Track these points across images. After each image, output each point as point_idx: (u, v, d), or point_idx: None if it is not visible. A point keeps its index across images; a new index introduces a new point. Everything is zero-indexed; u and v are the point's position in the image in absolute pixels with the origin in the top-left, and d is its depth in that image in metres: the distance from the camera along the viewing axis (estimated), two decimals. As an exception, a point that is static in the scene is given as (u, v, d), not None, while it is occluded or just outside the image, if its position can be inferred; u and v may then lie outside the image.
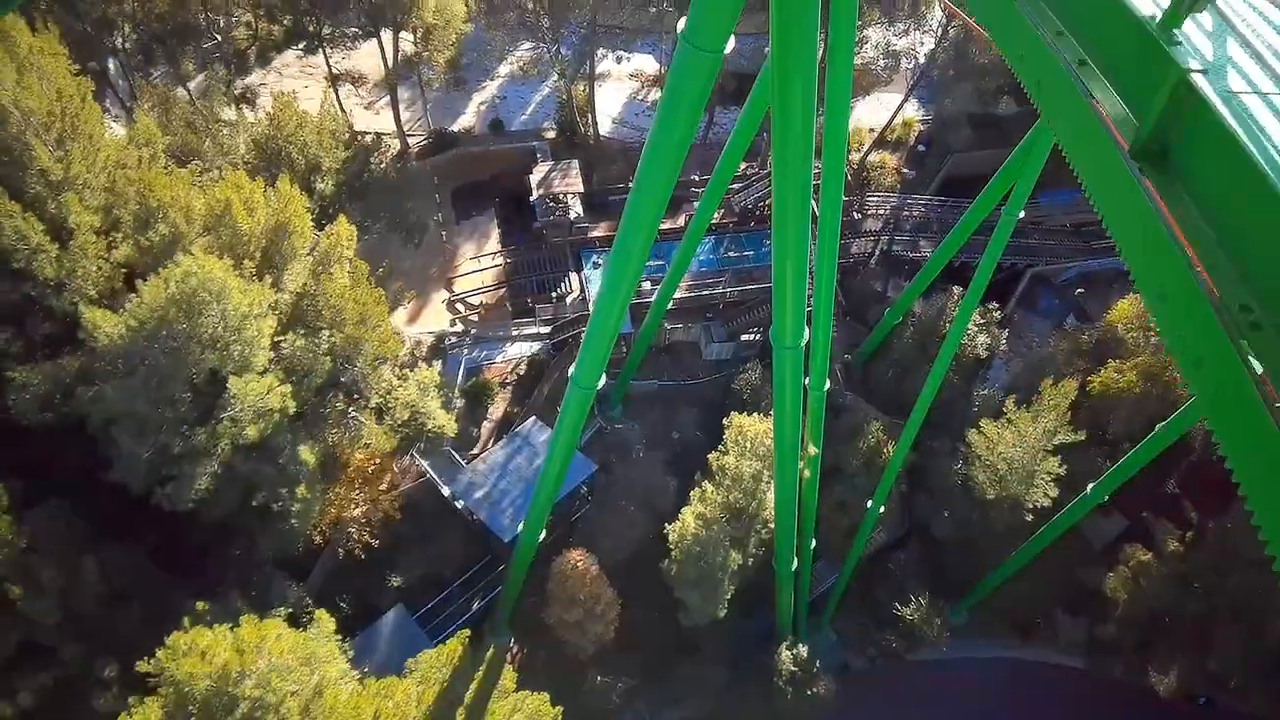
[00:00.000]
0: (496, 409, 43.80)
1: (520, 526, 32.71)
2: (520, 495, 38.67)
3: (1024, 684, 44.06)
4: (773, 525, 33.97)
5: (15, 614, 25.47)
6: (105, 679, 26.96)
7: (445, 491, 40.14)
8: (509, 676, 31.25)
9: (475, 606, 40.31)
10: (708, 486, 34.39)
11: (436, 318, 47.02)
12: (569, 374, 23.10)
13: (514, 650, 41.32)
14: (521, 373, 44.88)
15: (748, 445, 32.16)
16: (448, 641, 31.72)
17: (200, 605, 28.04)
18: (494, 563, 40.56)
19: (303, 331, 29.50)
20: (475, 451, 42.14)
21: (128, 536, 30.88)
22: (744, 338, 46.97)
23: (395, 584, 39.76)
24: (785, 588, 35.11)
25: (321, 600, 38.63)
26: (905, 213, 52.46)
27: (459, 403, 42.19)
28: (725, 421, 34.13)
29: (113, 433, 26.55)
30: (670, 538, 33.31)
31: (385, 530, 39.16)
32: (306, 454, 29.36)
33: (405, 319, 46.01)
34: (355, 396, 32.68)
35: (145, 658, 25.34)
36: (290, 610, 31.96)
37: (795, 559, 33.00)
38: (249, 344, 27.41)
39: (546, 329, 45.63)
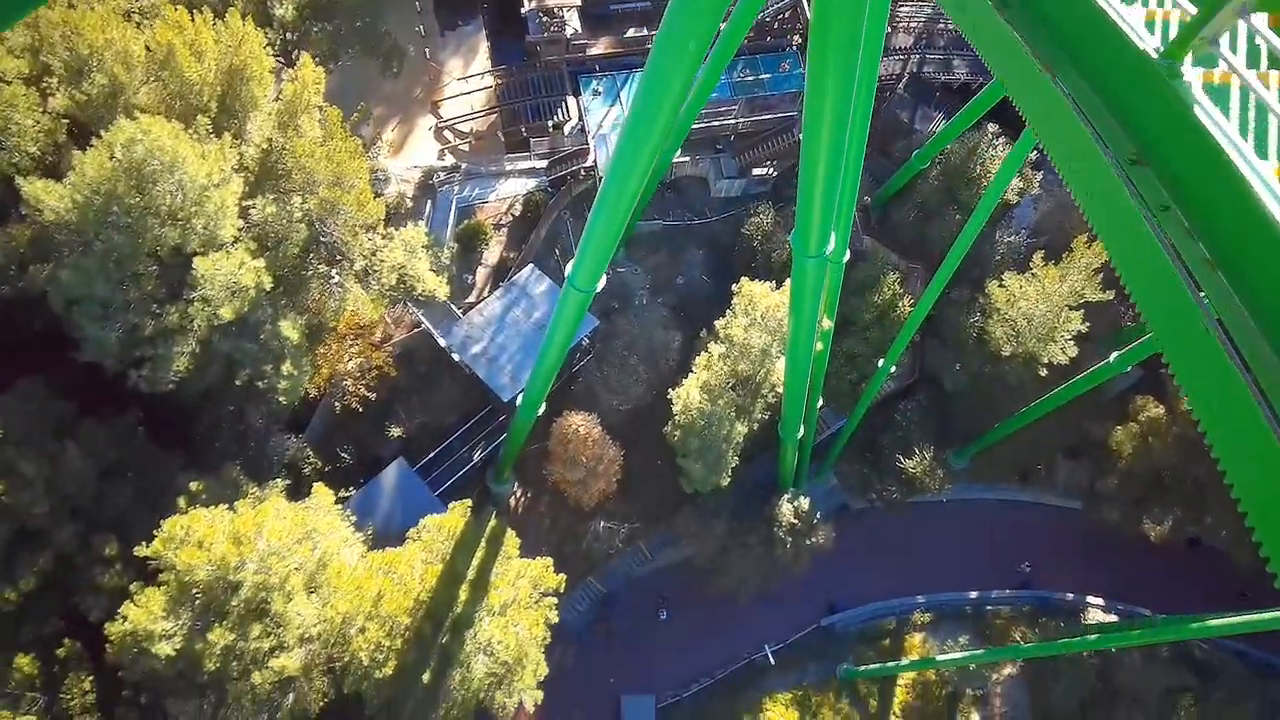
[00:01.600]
0: (491, 254, 41.37)
1: (519, 396, 31.48)
2: (519, 350, 37.27)
3: (1019, 523, 44.98)
4: (780, 390, 32.85)
5: (3, 507, 24.80)
6: (106, 556, 26.86)
7: (441, 343, 38.69)
8: (511, 542, 31.38)
9: (477, 457, 40.20)
10: (714, 350, 32.82)
11: (423, 148, 43.37)
12: (566, 273, 20.82)
13: (517, 494, 41.77)
14: (517, 213, 41.97)
15: (758, 316, 30.21)
16: (450, 508, 31.64)
17: (194, 485, 27.42)
18: (494, 413, 39.93)
19: (272, 197, 26.71)
20: (471, 300, 40.23)
21: (111, 409, 29.75)
22: (756, 172, 43.56)
23: (396, 434, 39.37)
24: (789, 450, 34.56)
25: (322, 451, 38.47)
26: (940, 25, 46.95)
27: (451, 247, 39.78)
28: (735, 287, 31.93)
29: (74, 317, 24.62)
30: (674, 407, 32.22)
31: (382, 382, 38.27)
32: (289, 329, 27.56)
33: (388, 152, 42.40)
34: (338, 258, 30.35)
35: (143, 541, 25.09)
36: (288, 481, 31.45)
37: (802, 427, 32.14)
38: (213, 217, 24.83)
39: (543, 164, 42.16)
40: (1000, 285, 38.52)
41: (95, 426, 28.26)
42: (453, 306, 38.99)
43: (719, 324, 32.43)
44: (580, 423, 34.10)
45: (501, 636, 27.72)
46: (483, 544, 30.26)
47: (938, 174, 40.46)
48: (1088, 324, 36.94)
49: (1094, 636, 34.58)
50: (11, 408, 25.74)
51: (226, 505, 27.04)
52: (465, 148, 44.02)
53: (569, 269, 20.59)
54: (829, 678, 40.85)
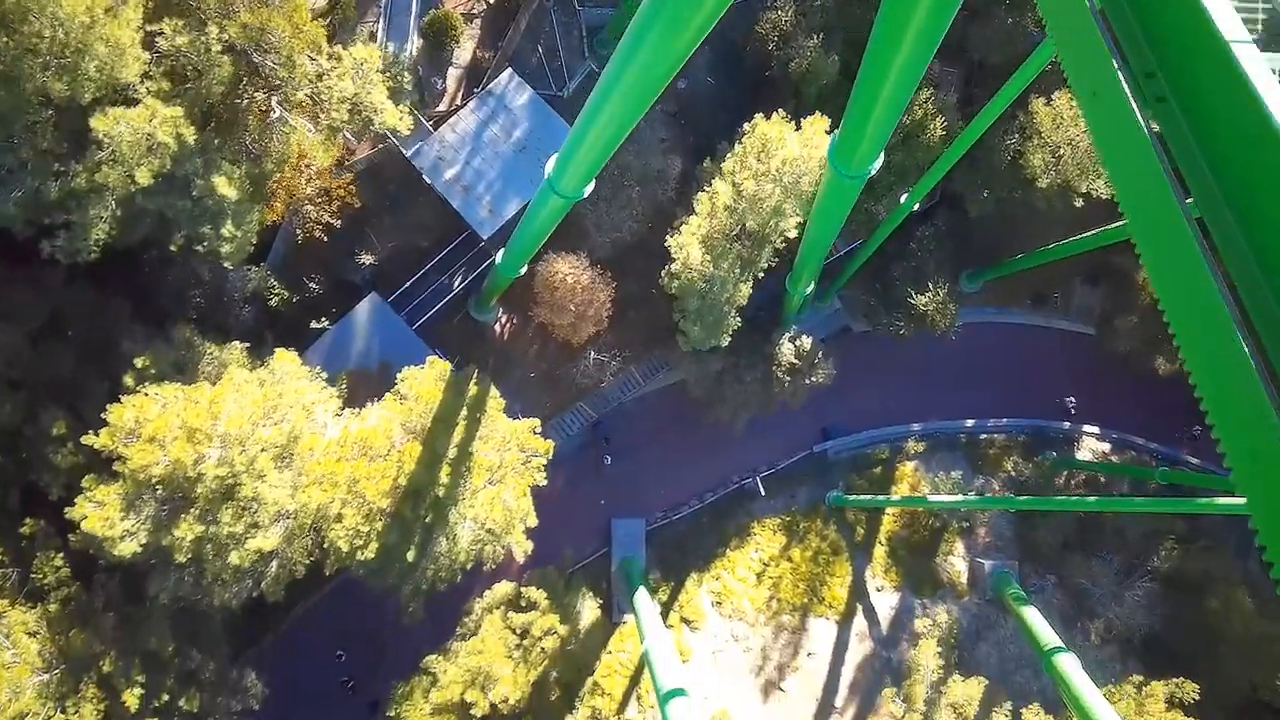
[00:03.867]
0: (463, 51, 35.55)
1: (500, 254, 27.99)
2: (498, 178, 33.12)
3: (1028, 346, 43.32)
4: (790, 235, 29.34)
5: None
6: (56, 435, 24.89)
7: (412, 162, 34.27)
8: (495, 404, 29.47)
9: (457, 284, 37.30)
10: (719, 191, 28.68)
11: (375, -89, 35.80)
12: (545, 171, 16.83)
13: (502, 321, 39.39)
14: (491, 0, 35.56)
15: (772, 168, 25.89)
16: (429, 362, 29.32)
17: (140, 361, 24.82)
18: (474, 237, 36.40)
19: (181, 23, 21.54)
20: (442, 109, 35.15)
21: (36, 265, 26.28)
22: (775, -52, 36.53)
23: (367, 261, 36.15)
24: (795, 298, 31.82)
25: (286, 279, 35.53)
26: None
27: (413, 50, 34.05)
28: (746, 126, 27.24)
29: (-41, 187, 20.64)
30: (674, 261, 28.76)
31: (346, 208, 34.40)
32: (224, 186, 23.49)
33: (334, -84, 34.97)
34: (277, 84, 25.36)
35: (97, 415, 23.12)
36: (247, 344, 28.68)
37: (813, 283, 29.18)
38: (106, 59, 20.00)
39: (520, -65, 35.08)
40: (1047, 104, 33.68)
41: (17, 289, 25.06)
42: (423, 120, 34.11)
43: (726, 165, 28.04)
44: (567, 270, 30.92)
45: (489, 511, 26.68)
46: (465, 408, 28.36)
47: (990, -38, 33.88)
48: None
49: (1093, 499, 34.20)
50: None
51: (180, 380, 24.80)
52: (426, -92, 36.39)
53: (549, 166, 16.61)
54: (818, 504, 41.13)
